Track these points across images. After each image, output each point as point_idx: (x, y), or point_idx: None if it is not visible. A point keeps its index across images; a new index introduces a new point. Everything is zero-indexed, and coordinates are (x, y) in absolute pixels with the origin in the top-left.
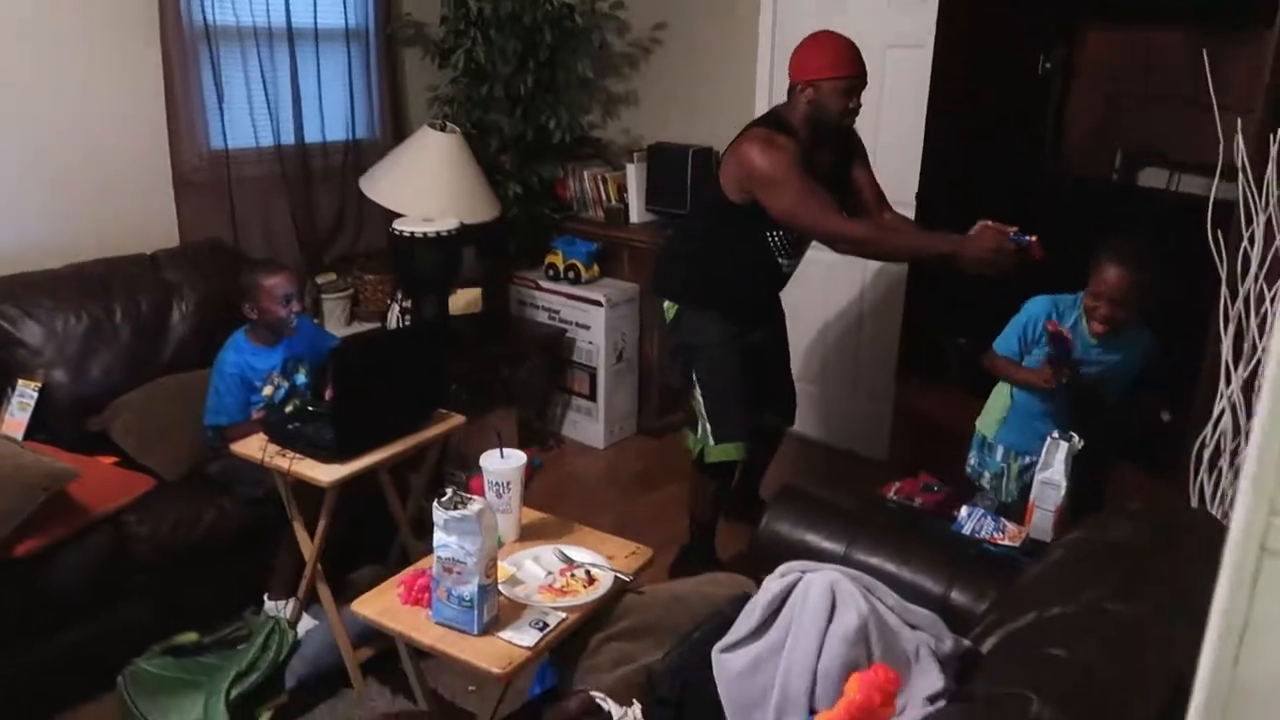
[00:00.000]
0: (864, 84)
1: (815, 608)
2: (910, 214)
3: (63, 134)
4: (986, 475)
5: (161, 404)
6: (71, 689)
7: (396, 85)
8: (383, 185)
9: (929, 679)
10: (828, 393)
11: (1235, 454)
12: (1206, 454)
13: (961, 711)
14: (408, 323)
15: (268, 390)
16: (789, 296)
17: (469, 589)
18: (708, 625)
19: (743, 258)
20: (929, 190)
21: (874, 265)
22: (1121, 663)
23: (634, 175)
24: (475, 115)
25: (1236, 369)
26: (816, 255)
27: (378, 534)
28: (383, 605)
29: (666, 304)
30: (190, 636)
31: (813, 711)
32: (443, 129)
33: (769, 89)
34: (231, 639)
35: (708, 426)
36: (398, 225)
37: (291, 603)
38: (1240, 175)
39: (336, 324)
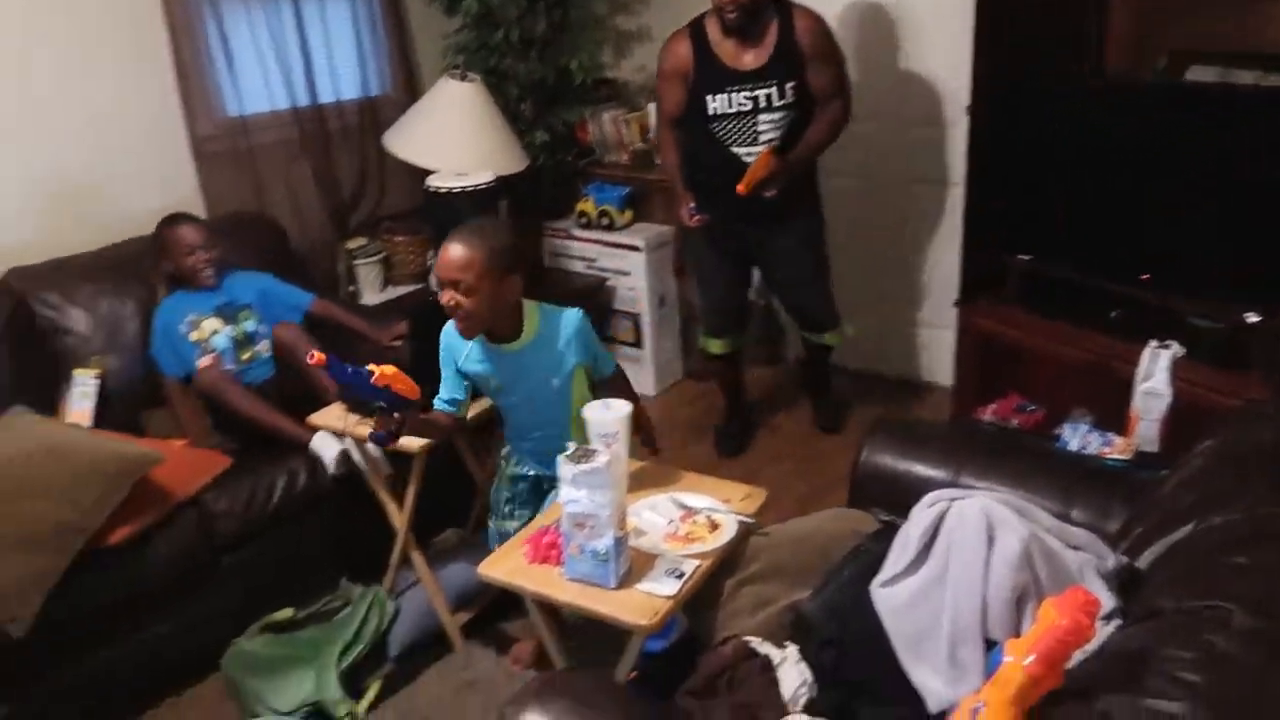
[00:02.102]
0: None
1: (973, 535)
2: (961, 129)
3: (71, 112)
4: None
5: None
6: (176, 672)
7: (404, 37)
8: (410, 142)
9: (1100, 599)
10: (881, 321)
11: None
12: None
13: (1158, 628)
14: None
15: (195, 335)
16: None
17: (604, 542)
18: (855, 562)
19: (695, 143)
20: (980, 102)
21: (916, 187)
22: None
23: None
24: (490, 62)
25: None
26: (845, 185)
27: (456, 497)
28: (510, 566)
29: None
30: (286, 613)
31: (990, 642)
32: (463, 79)
33: None
34: (327, 611)
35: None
36: (433, 182)
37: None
38: None
39: (372, 290)
